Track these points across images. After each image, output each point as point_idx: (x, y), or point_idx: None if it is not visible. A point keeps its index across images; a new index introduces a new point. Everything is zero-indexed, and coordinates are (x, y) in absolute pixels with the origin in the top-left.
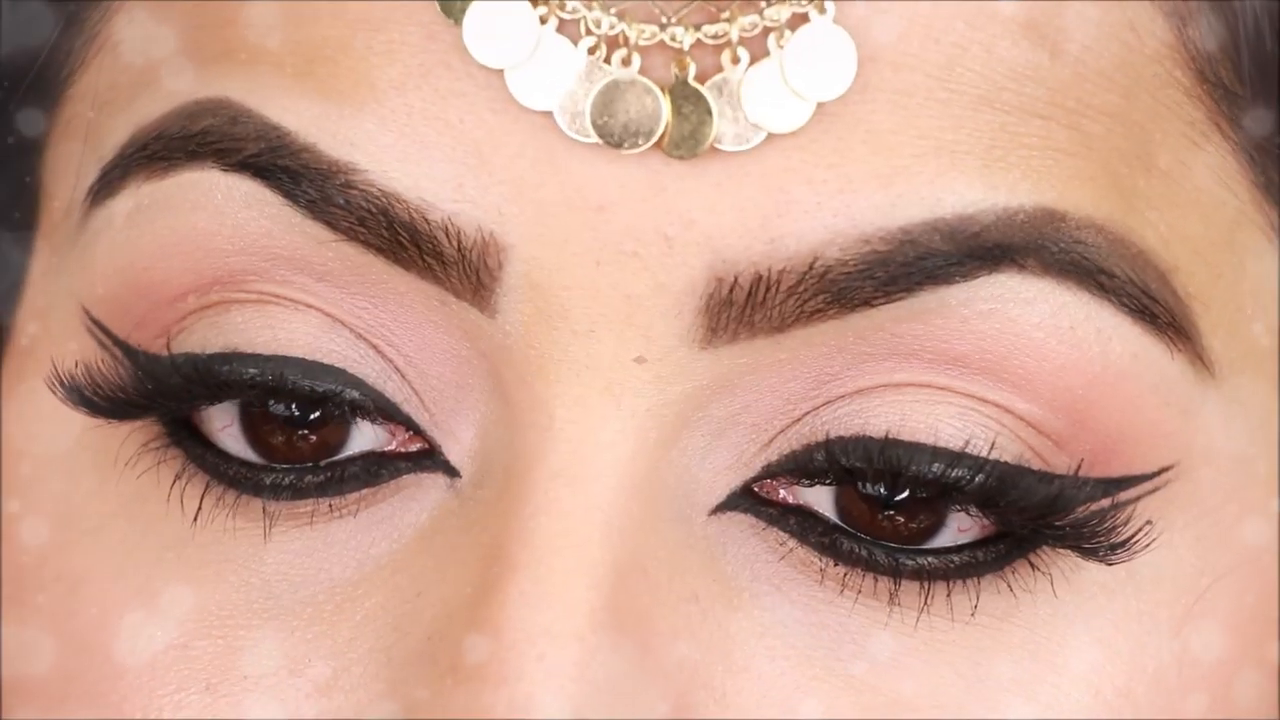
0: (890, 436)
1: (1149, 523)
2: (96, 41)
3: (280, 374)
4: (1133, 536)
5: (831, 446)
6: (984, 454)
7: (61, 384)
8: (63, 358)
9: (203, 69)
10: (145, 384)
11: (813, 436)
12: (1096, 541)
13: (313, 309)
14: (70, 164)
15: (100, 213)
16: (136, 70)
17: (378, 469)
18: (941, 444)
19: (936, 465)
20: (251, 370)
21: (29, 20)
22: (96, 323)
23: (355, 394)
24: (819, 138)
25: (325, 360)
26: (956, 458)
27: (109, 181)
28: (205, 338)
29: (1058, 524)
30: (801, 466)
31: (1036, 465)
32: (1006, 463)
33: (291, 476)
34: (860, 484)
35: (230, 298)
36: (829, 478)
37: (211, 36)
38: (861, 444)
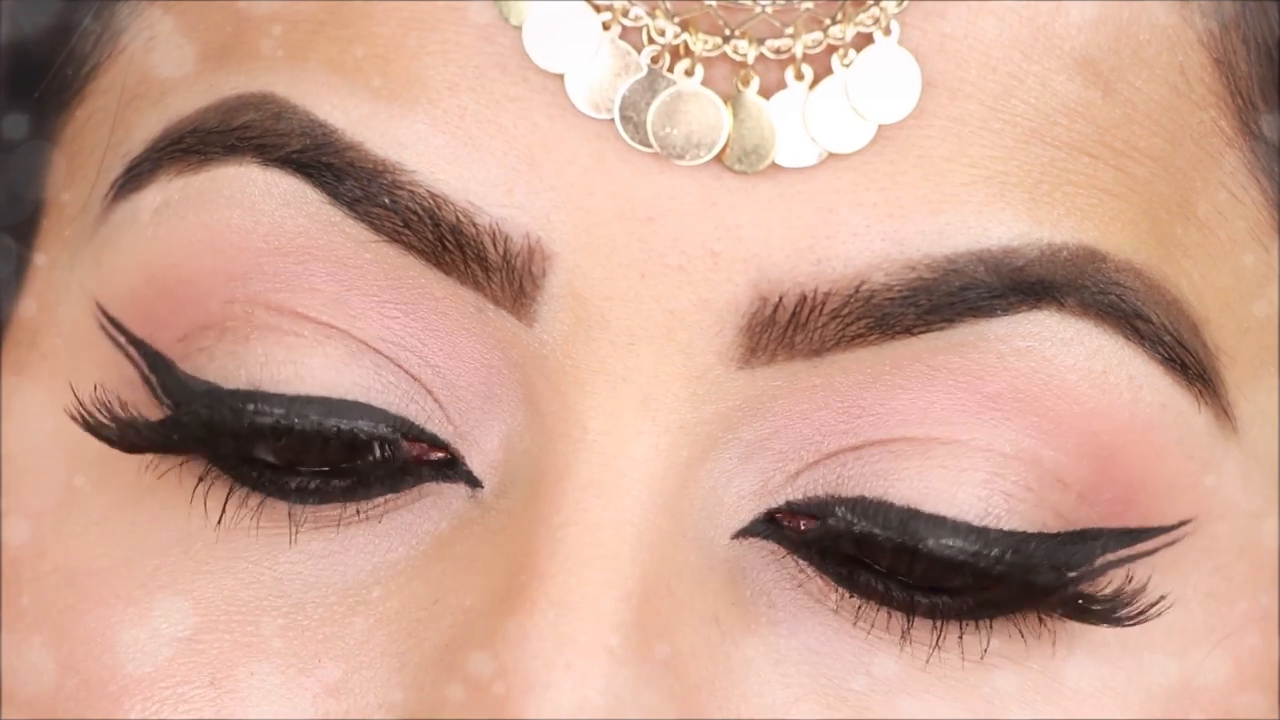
0: (911, 506)
1: (1163, 598)
2: (125, 36)
3: (303, 414)
4: (1150, 607)
5: (854, 505)
6: (1001, 526)
7: (83, 418)
8: (78, 373)
9: (245, 64)
10: (170, 421)
11: (839, 487)
12: (1105, 607)
13: (333, 336)
14: (91, 158)
15: (124, 207)
16: (172, 64)
17: (401, 475)
18: (961, 517)
19: (954, 540)
20: (277, 411)
21: (47, 14)
22: (113, 320)
23: (376, 428)
24: (871, 160)
25: (346, 396)
26: (975, 532)
27: (136, 175)
28: (225, 368)
29: (1070, 590)
30: (823, 514)
31: (1055, 527)
32: (1023, 532)
33: (317, 480)
34: (875, 563)
35: (252, 320)
36: (848, 542)
37: (254, 31)
38: (882, 510)
